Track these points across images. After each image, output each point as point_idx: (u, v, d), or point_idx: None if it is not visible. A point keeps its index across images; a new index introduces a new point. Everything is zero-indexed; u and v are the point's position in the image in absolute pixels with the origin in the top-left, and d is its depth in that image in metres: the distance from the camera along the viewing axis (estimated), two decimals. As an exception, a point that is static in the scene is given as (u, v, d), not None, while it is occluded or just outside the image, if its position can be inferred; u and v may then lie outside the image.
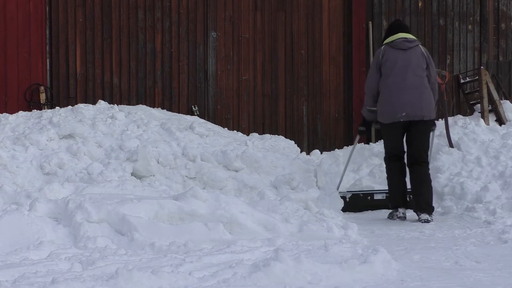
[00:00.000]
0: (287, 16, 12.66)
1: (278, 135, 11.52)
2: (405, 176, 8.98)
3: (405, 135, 8.91)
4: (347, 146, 11.80)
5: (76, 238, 7.03)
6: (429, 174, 8.88)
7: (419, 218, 8.73)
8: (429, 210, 8.76)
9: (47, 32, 12.00)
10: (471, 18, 13.08)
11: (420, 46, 8.93)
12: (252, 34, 12.55)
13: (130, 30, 12.24)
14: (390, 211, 9.11)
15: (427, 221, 8.63)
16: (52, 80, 12.07)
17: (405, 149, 8.96)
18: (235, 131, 11.76)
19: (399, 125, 8.78)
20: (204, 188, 9.35)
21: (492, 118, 11.98)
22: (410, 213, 9.07)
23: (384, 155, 9.14)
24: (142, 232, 7.03)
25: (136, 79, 12.24)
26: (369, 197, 9.80)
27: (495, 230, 7.89)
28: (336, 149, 11.65)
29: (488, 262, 6.40)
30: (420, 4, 12.85)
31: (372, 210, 9.72)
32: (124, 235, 7.07)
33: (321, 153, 11.36)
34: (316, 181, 9.97)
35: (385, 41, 8.95)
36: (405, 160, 8.97)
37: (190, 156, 9.82)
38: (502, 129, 11.35)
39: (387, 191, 9.23)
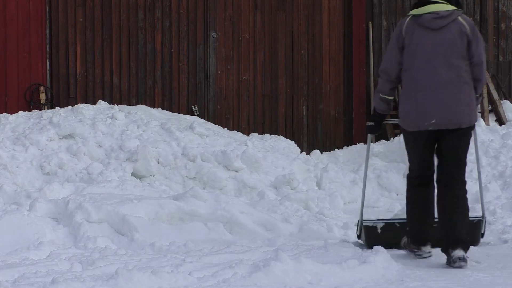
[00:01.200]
0: (287, 16, 12.65)
1: (278, 135, 11.50)
2: (433, 205, 6.56)
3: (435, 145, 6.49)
4: (347, 146, 11.78)
5: (76, 238, 7.03)
6: (465, 199, 6.44)
7: (451, 258, 6.24)
8: (463, 245, 6.28)
9: (47, 32, 11.99)
10: (471, 18, 13.08)
11: (460, 18, 6.34)
12: (252, 34, 12.54)
13: (130, 30, 12.23)
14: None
15: (461, 264, 6.21)
16: (52, 80, 12.06)
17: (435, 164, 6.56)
18: (235, 131, 11.75)
19: (427, 134, 6.37)
20: (204, 188, 9.35)
21: (492, 118, 11.98)
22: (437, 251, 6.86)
23: (407, 173, 6.70)
24: (142, 232, 7.03)
25: (136, 79, 12.24)
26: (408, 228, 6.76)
27: (495, 230, 7.87)
28: (336, 149, 11.63)
29: (488, 262, 6.39)
30: (420, 4, 12.82)
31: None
32: (124, 235, 7.08)
33: (321, 153, 11.34)
34: (319, 184, 9.94)
35: (411, 12, 6.43)
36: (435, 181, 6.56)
37: (190, 156, 9.82)
38: (502, 129, 11.34)
39: (437, 222, 6.54)
